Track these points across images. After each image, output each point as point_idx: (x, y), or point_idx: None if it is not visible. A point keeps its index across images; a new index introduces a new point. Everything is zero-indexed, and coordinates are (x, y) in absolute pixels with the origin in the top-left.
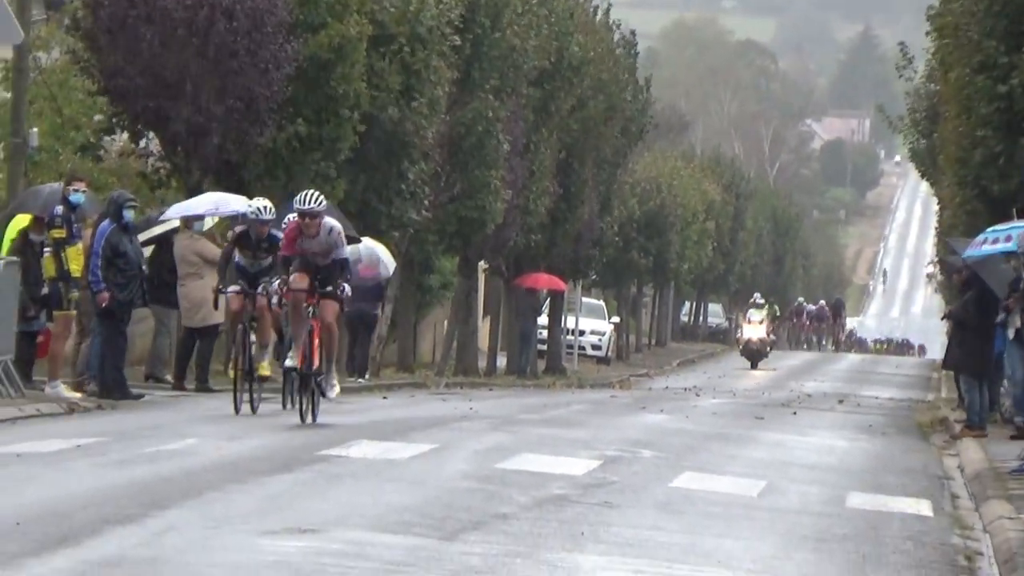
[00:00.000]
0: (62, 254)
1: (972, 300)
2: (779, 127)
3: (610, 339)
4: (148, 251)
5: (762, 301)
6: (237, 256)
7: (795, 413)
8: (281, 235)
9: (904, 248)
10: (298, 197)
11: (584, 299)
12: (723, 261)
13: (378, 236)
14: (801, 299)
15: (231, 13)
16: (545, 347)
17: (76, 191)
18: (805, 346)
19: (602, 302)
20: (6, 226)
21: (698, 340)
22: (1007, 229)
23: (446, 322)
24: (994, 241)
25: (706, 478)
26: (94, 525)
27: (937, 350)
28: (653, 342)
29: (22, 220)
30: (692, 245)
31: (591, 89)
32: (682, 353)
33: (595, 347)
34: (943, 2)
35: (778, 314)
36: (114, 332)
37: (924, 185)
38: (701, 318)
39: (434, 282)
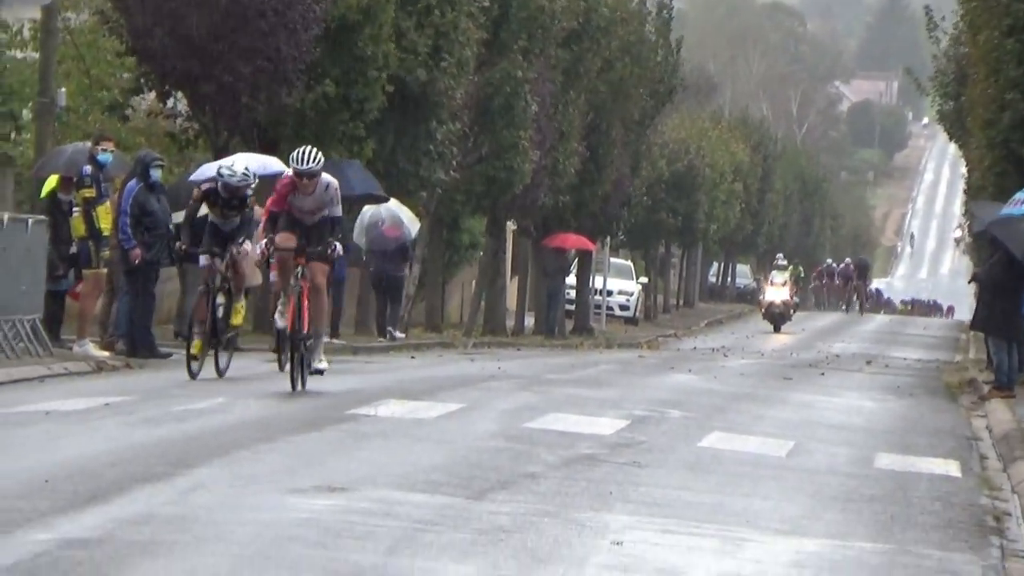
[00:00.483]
0: (92, 213)
1: (999, 262)
2: (807, 89)
3: (638, 299)
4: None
5: (784, 263)
6: (206, 212)
7: (823, 374)
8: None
9: (932, 210)
10: (295, 154)
11: (612, 259)
12: (751, 222)
13: (406, 196)
14: (830, 260)
15: None
16: (573, 307)
17: (104, 151)
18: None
19: (630, 262)
20: (39, 186)
21: (726, 301)
22: None
23: (474, 282)
24: None
25: (734, 438)
26: (123, 483)
27: (965, 311)
28: (681, 303)
29: (54, 181)
30: (720, 206)
31: (619, 51)
32: (710, 314)
33: (623, 307)
34: None
35: (803, 275)
36: (142, 291)
37: (952, 147)
38: (729, 279)
39: (463, 240)
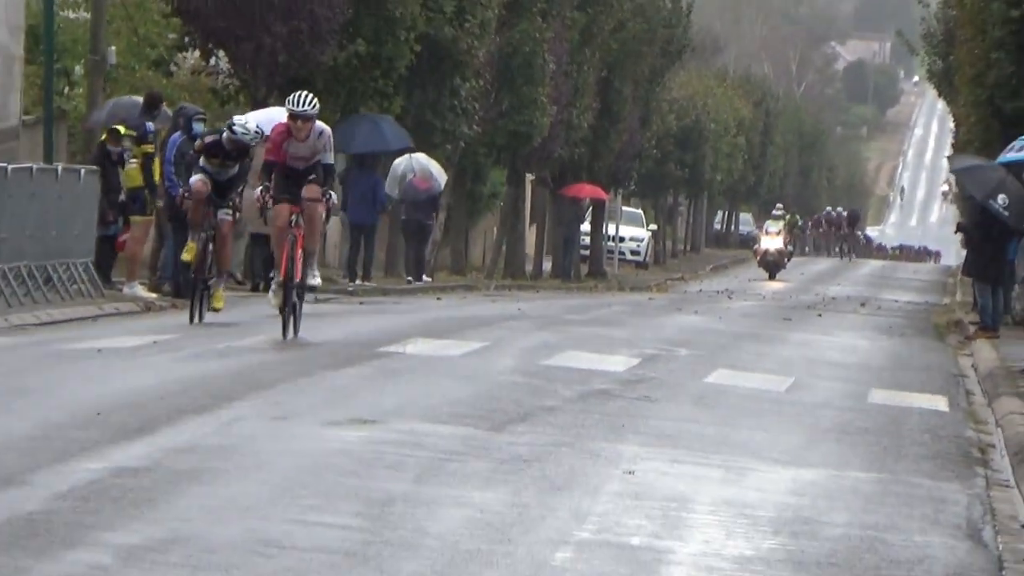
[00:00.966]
0: (151, 166)
1: (976, 209)
2: (805, 49)
3: (648, 245)
4: None
5: (779, 212)
6: (203, 161)
7: (820, 315)
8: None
9: (922, 162)
10: (291, 98)
11: (624, 208)
12: (753, 173)
13: (432, 149)
14: (829, 208)
15: None
16: (587, 252)
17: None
18: (827, 253)
19: (640, 211)
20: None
21: (730, 247)
22: None
23: (495, 229)
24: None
25: (738, 375)
26: (169, 415)
27: (952, 257)
28: (688, 248)
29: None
30: (724, 158)
31: (631, 12)
32: (715, 259)
33: (634, 253)
34: None
35: (799, 223)
36: (187, 236)
37: (941, 104)
38: (733, 226)
39: (485, 190)
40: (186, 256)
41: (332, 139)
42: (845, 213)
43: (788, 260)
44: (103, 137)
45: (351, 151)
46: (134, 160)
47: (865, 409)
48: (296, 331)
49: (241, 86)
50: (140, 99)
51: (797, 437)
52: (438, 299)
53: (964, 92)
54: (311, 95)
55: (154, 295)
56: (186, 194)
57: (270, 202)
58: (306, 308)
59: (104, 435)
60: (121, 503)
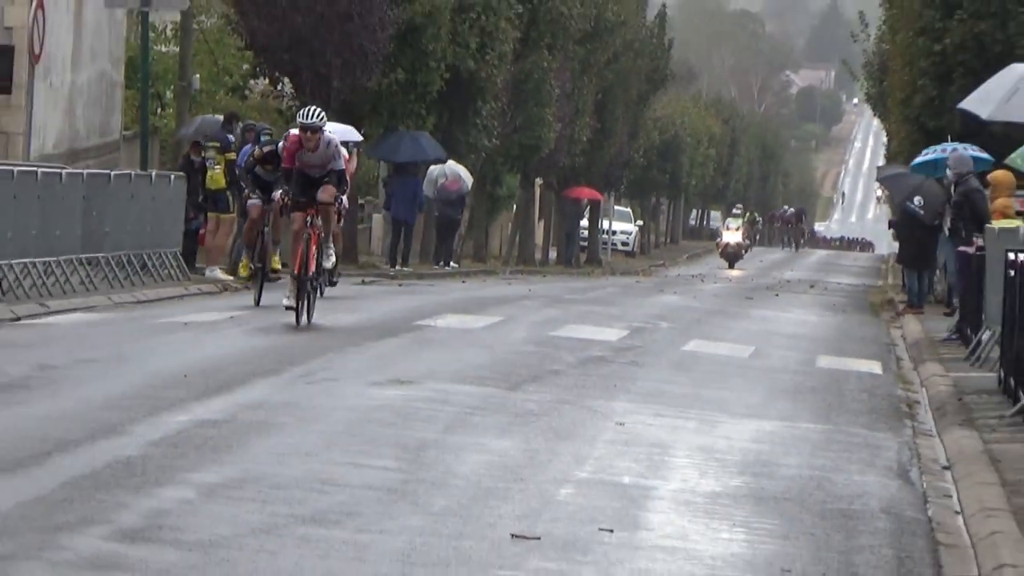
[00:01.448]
0: (234, 171)
1: (903, 210)
2: (766, 77)
3: (635, 237)
4: None
5: (738, 212)
6: (258, 168)
7: (777, 295)
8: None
9: (861, 169)
10: (301, 112)
11: (615, 207)
12: (722, 178)
13: (458, 158)
14: (786, 206)
15: None
16: (586, 243)
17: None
18: (780, 245)
19: (629, 209)
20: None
21: (702, 239)
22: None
23: (510, 224)
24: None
25: (709, 344)
26: (243, 377)
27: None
28: (668, 240)
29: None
30: (698, 166)
31: (622, 47)
32: (690, 249)
33: (624, 244)
34: None
35: (758, 219)
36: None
37: (876, 122)
38: (705, 222)
39: (502, 193)
40: (242, 272)
41: (340, 148)
42: (792, 211)
43: (746, 252)
44: (187, 149)
45: (395, 160)
46: (218, 166)
47: (813, 372)
48: (310, 319)
49: (301, 107)
50: (220, 117)
51: (758, 395)
52: (463, 282)
53: (895, 112)
54: (319, 110)
55: (230, 278)
56: (284, 200)
57: (288, 203)
58: (352, 289)
59: (189, 393)
60: (203, 449)
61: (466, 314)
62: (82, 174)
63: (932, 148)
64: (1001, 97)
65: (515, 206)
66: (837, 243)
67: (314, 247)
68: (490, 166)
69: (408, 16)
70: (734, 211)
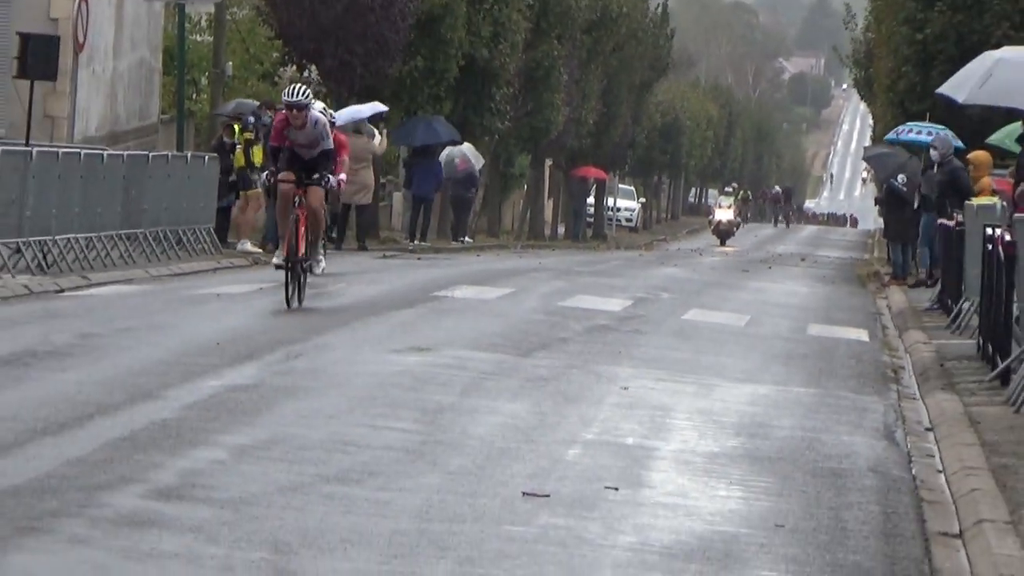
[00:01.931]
0: (250, 151)
1: (888, 187)
2: (759, 64)
3: (638, 214)
4: None
5: (730, 190)
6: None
7: (770, 267)
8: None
9: (849, 150)
10: (286, 90)
11: (620, 185)
12: (719, 159)
13: (473, 140)
14: (777, 187)
15: None
16: (592, 219)
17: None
18: (772, 221)
19: (632, 187)
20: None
21: (701, 215)
22: (925, 127)
23: (521, 201)
24: (917, 132)
25: (707, 313)
26: (272, 345)
27: (870, 223)
28: (669, 216)
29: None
30: (697, 147)
31: (627, 36)
32: (689, 225)
33: (628, 220)
34: None
35: (750, 197)
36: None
37: (863, 106)
38: (703, 200)
39: (514, 172)
40: (276, 260)
41: (328, 127)
42: (780, 190)
43: (737, 229)
44: (221, 132)
45: (415, 143)
46: (238, 146)
47: (805, 340)
48: (300, 301)
49: (328, 92)
50: (255, 102)
51: (753, 361)
52: (477, 256)
53: (881, 97)
54: (304, 87)
55: (260, 251)
56: (271, 180)
57: (273, 180)
58: (376, 262)
59: (222, 360)
60: (235, 412)
61: (481, 286)
62: (122, 155)
63: (911, 125)
64: (975, 83)
65: (526, 185)
66: (824, 219)
67: (303, 228)
68: (503, 147)
69: (427, 7)
70: (726, 189)
